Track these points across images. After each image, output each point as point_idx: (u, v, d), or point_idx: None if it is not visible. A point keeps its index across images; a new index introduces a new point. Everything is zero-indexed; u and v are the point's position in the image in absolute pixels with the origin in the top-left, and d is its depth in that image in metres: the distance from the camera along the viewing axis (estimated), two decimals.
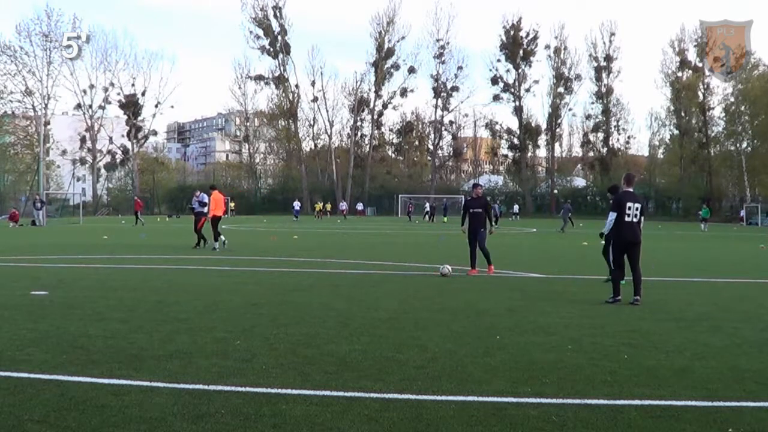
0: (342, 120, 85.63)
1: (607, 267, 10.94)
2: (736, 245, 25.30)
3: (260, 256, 16.65)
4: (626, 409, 4.47)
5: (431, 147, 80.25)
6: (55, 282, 10.81)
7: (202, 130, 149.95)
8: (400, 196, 67.79)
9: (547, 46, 73.39)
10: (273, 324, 7.29)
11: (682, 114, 69.04)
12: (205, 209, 19.35)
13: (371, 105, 77.40)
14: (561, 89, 73.52)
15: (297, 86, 75.81)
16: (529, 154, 77.23)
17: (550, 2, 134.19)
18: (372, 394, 4.68)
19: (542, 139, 76.37)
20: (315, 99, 76.48)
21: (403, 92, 76.57)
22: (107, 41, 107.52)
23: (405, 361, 5.68)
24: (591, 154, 76.60)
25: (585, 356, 5.95)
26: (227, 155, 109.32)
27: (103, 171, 75.55)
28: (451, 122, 79.27)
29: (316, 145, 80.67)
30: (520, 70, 73.57)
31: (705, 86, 67.44)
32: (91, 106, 71.20)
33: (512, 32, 72.76)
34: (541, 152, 79.33)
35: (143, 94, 72.48)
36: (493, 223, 14.18)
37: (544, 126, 75.29)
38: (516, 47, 72.64)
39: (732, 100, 64.18)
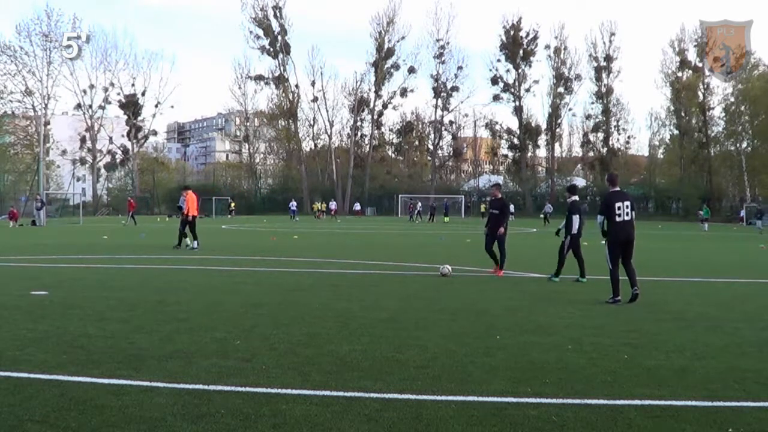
0: (342, 120, 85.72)
1: (557, 265, 12.03)
2: (736, 245, 25.29)
3: (260, 256, 16.65)
4: (626, 409, 4.47)
5: (431, 147, 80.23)
6: (55, 282, 10.81)
7: (202, 130, 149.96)
8: (400, 196, 67.78)
9: (547, 46, 73.41)
10: (273, 324, 7.29)
11: (682, 114, 69.00)
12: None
13: (371, 105, 77.39)
14: (561, 89, 73.49)
15: (297, 86, 75.89)
16: (529, 154, 77.19)
17: (550, 2, 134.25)
18: (372, 394, 4.68)
19: (542, 139, 76.35)
20: (315, 99, 76.55)
21: (403, 92, 76.57)
22: (107, 41, 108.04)
23: (405, 361, 5.68)
24: (591, 154, 76.53)
25: (585, 356, 5.95)
26: (227, 155, 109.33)
27: (103, 171, 75.50)
28: (451, 122, 79.30)
29: (316, 145, 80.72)
30: (520, 70, 73.54)
31: (705, 86, 67.41)
32: (91, 106, 71.20)
33: (512, 32, 72.72)
34: (541, 152, 79.40)
35: (143, 94, 72.49)
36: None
37: (544, 126, 75.27)
38: (516, 47, 72.61)
39: (732, 100, 64.17)
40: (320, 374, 5.20)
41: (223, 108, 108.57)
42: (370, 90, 76.53)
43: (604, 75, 72.77)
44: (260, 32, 73.59)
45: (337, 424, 4.08)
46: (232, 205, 64.31)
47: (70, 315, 7.72)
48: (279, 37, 73.70)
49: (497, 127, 77.96)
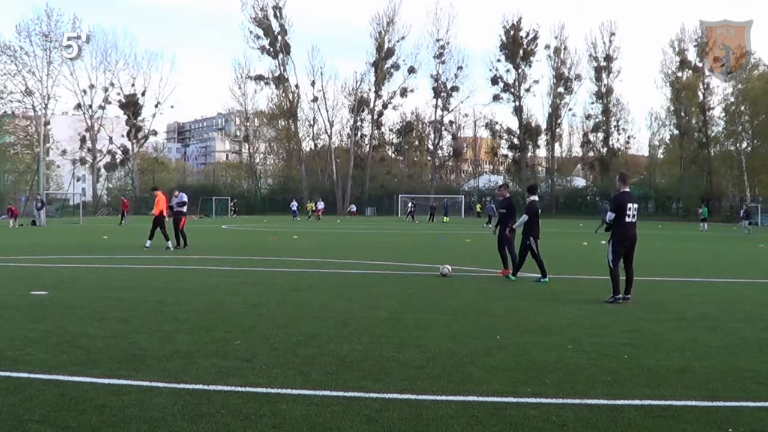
0: (342, 120, 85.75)
1: (508, 262, 12.19)
2: (736, 245, 25.29)
3: (260, 256, 16.65)
4: (626, 409, 4.47)
5: (431, 147, 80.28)
6: (55, 282, 10.81)
7: (202, 130, 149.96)
8: (400, 196, 67.78)
9: (547, 46, 73.46)
10: (273, 324, 7.29)
11: (682, 114, 69.01)
12: (184, 209, 19.35)
13: (371, 105, 77.43)
14: (561, 89, 73.53)
15: (297, 86, 75.92)
16: (529, 154, 77.25)
17: (550, 2, 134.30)
18: (372, 394, 4.68)
19: (542, 139, 76.41)
20: (315, 99, 76.60)
21: (403, 92, 76.61)
22: (107, 41, 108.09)
23: (405, 361, 5.68)
24: (591, 154, 76.59)
25: (585, 356, 5.95)
26: (227, 155, 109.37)
27: (103, 171, 75.56)
28: (451, 122, 79.36)
29: (316, 145, 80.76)
30: (520, 70, 73.58)
31: (705, 86, 67.43)
32: (91, 106, 71.24)
33: (512, 32, 72.76)
34: (541, 152, 79.43)
35: (143, 94, 72.52)
36: (491, 224, 14.01)
37: (544, 126, 75.32)
38: (516, 47, 72.64)
39: (732, 100, 64.17)
40: (320, 374, 5.20)
41: (223, 108, 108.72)
42: (370, 90, 76.69)
43: (604, 75, 72.84)
44: (260, 32, 73.68)
45: (337, 424, 4.08)
46: (232, 204, 64.31)
47: (70, 315, 7.72)
48: (279, 37, 73.72)
49: (497, 127, 78.12)
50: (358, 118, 78.19)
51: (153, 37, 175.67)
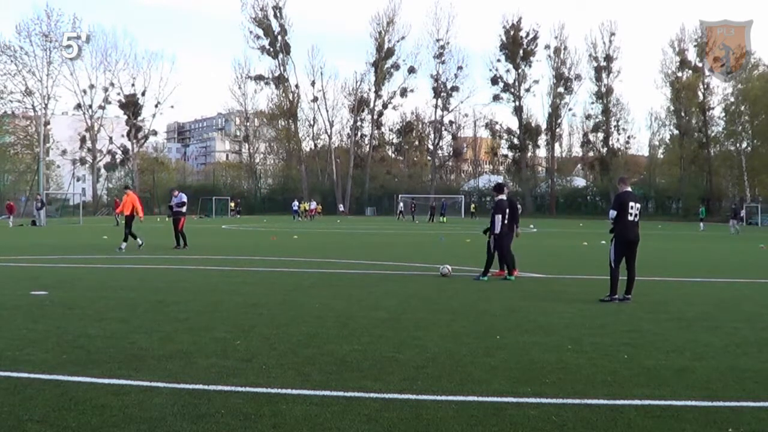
0: (342, 120, 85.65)
1: (497, 262, 12.11)
2: (736, 245, 25.29)
3: (260, 256, 16.65)
4: (626, 409, 4.47)
5: (431, 147, 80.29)
6: (55, 282, 10.81)
7: (202, 130, 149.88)
8: (399, 196, 67.77)
9: (547, 46, 73.45)
10: (273, 324, 7.29)
11: (682, 114, 69.01)
12: (184, 209, 19.31)
13: (371, 105, 77.44)
14: (561, 89, 73.54)
15: (297, 86, 75.95)
16: (529, 154, 77.24)
17: (550, 2, 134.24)
18: (372, 394, 4.68)
19: (542, 139, 76.41)
20: (315, 99, 76.62)
21: (403, 92, 76.62)
22: (107, 41, 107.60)
23: (405, 361, 5.68)
24: (591, 154, 76.58)
25: (585, 356, 5.95)
26: (227, 155, 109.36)
27: (103, 171, 75.54)
28: (451, 122, 79.36)
29: (316, 145, 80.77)
30: (520, 70, 73.57)
31: (705, 86, 67.44)
32: (91, 106, 71.23)
33: (512, 32, 72.76)
34: (541, 152, 79.46)
35: (143, 94, 72.51)
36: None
37: (544, 126, 75.32)
38: (516, 47, 72.65)
39: (732, 100, 64.19)
40: (320, 374, 5.20)
41: (223, 108, 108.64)
42: (370, 90, 76.70)
43: (604, 75, 72.79)
44: (260, 32, 73.71)
45: (337, 424, 4.08)
46: (233, 205, 64.22)
47: (70, 315, 7.72)
48: (279, 37, 73.75)
49: (497, 127, 78.13)
50: (358, 118, 78.22)
51: (153, 37, 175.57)
